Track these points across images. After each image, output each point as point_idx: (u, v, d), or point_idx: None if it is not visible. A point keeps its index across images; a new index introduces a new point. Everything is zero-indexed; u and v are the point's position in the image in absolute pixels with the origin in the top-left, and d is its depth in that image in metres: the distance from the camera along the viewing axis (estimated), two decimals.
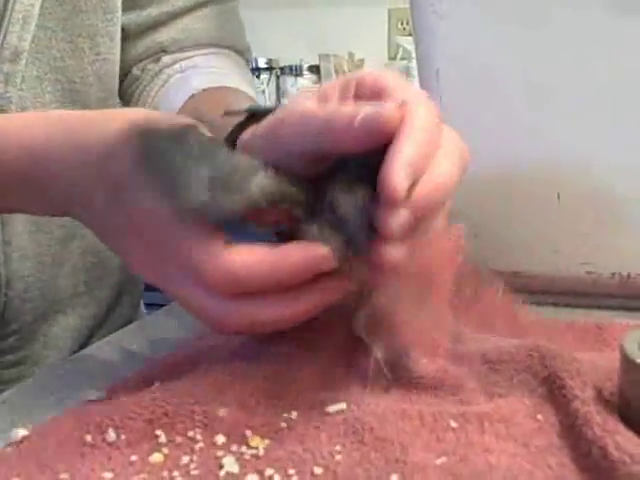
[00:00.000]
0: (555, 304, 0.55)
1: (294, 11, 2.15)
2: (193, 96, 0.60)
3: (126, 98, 0.67)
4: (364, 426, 0.35)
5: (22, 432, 0.35)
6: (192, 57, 0.66)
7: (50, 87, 0.56)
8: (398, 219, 0.33)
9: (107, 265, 0.64)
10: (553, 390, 0.37)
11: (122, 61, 0.65)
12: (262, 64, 2.21)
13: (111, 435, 0.34)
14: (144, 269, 0.39)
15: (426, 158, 0.35)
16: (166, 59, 0.66)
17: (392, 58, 2.16)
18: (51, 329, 0.62)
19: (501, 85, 0.54)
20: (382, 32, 2.15)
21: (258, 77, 2.22)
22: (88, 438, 0.34)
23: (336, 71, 2.21)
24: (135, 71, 0.66)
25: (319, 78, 2.23)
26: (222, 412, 0.36)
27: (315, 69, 2.20)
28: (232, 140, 0.42)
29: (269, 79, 2.24)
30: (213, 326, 0.38)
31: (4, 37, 0.51)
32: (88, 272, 0.62)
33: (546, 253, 0.56)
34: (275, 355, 0.41)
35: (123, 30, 0.64)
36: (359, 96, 0.38)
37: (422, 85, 0.57)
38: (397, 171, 0.33)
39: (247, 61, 0.72)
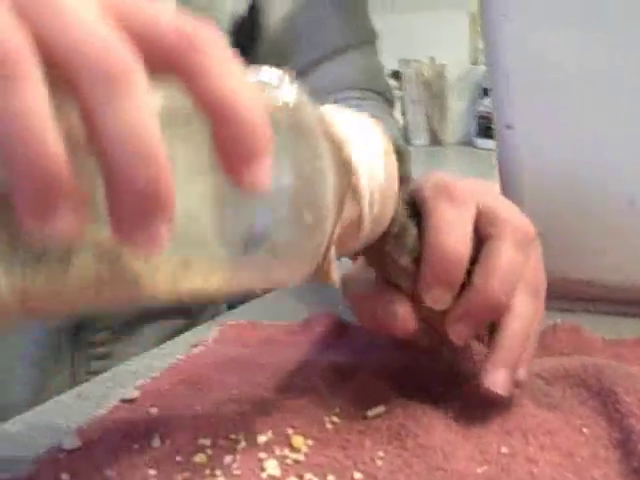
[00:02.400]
0: (630, 314, 0.53)
1: (374, 17, 2.15)
2: None
3: None
4: (408, 432, 0.35)
5: (74, 442, 0.36)
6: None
7: None
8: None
9: None
10: (607, 404, 0.36)
11: None
12: None
13: (156, 441, 0.35)
14: None
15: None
16: None
17: (474, 63, 2.13)
18: (141, 330, 0.64)
19: (573, 88, 0.53)
20: (464, 36, 2.12)
21: None
22: (135, 446, 0.35)
23: (417, 76, 2.20)
24: None
25: (400, 84, 2.22)
26: (265, 414, 0.36)
27: (396, 74, 2.19)
28: None
29: None
30: None
31: None
32: None
33: (619, 261, 0.54)
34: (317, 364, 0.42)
35: None
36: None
37: (494, 90, 0.56)
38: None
39: (388, 99, 0.74)
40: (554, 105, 0.54)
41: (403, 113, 2.22)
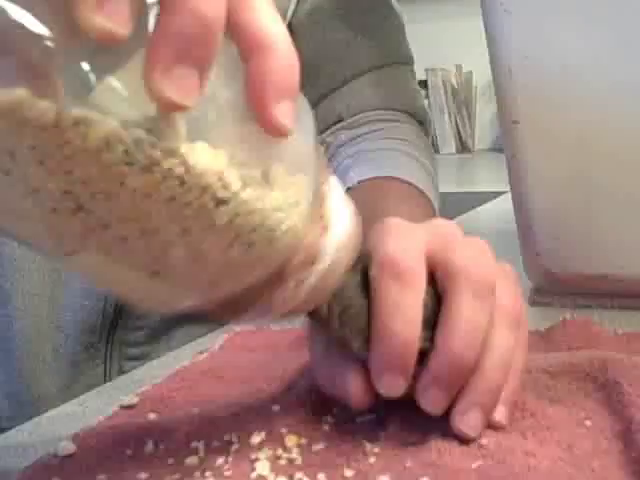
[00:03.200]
0: None
1: None
2: (348, 190, 0.60)
3: None
4: (403, 431, 0.34)
5: (68, 448, 0.35)
6: (364, 135, 0.67)
7: None
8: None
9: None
10: (611, 396, 0.35)
11: None
12: None
13: (149, 447, 0.35)
14: None
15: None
16: (343, 137, 0.67)
17: None
18: (176, 332, 0.65)
19: (577, 81, 0.52)
20: None
21: None
22: (128, 452, 0.35)
23: (444, 85, 2.19)
24: None
25: (427, 93, 2.21)
26: (261, 416, 0.36)
27: (423, 84, 2.18)
28: None
29: None
30: None
31: None
32: None
33: (635, 254, 0.53)
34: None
35: None
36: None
37: (497, 86, 0.55)
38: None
39: (421, 121, 0.72)
40: (558, 99, 0.53)
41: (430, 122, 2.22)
